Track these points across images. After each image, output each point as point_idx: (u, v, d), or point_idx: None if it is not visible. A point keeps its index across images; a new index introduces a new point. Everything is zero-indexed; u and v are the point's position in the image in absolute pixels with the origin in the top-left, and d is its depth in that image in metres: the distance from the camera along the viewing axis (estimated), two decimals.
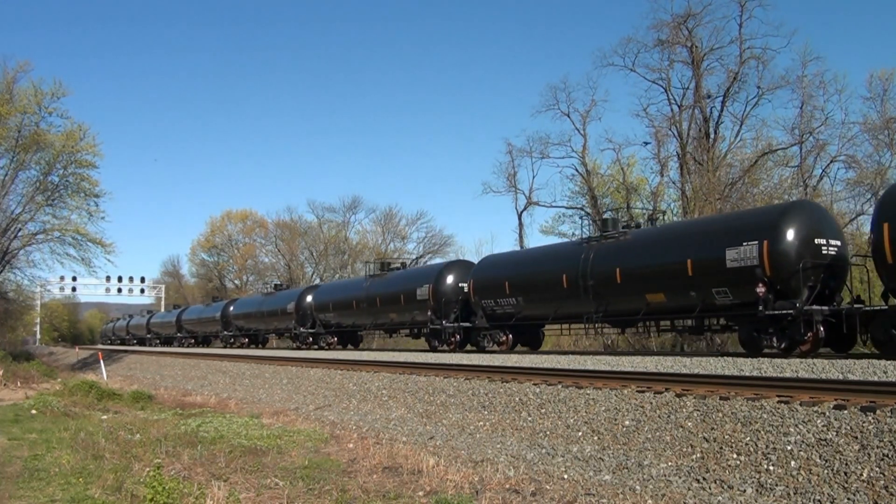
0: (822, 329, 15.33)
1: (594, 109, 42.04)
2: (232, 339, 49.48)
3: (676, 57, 37.45)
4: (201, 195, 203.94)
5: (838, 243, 16.44)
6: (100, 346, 71.20)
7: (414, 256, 66.30)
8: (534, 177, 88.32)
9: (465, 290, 25.64)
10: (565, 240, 37.92)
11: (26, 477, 9.00)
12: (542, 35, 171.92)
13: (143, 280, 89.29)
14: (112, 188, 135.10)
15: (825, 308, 15.48)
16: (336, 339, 35.69)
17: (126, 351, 53.81)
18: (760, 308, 15.70)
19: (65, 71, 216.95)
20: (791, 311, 15.38)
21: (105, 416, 16.08)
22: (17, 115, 37.38)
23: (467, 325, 25.54)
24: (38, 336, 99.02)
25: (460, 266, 27.73)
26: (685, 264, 17.49)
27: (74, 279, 72.06)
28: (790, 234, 15.85)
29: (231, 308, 49.51)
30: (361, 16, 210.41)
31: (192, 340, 58.15)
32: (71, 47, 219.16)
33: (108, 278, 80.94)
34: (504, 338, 24.22)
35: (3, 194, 38.03)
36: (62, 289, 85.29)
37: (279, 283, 51.44)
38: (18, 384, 25.23)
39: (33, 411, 16.42)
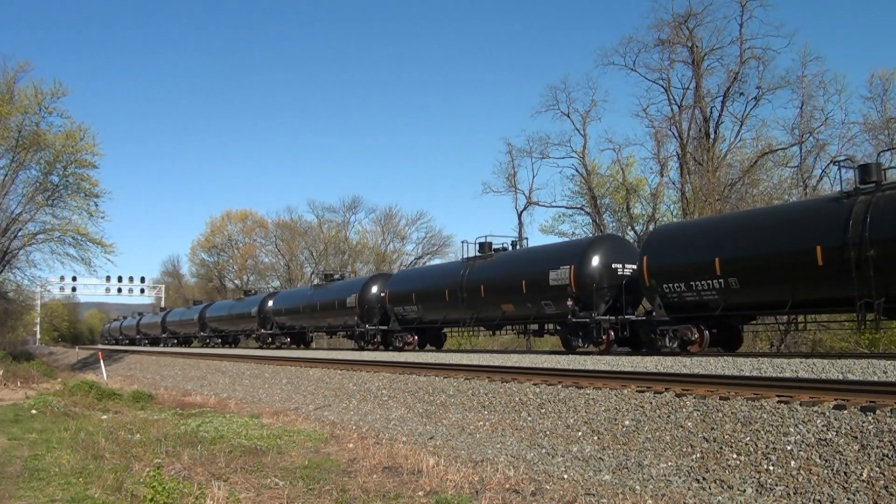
0: (612, 333, 19.46)
1: (594, 109, 42.12)
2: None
3: (677, 57, 37.53)
4: (201, 195, 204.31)
5: (633, 267, 19.70)
6: (101, 346, 71.10)
7: (413, 257, 66.34)
8: (534, 177, 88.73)
9: (384, 297, 29.42)
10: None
11: (26, 477, 8.99)
12: (542, 35, 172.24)
13: (143, 280, 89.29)
14: (112, 188, 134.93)
15: (613, 318, 19.38)
16: (289, 339, 40.60)
17: (126, 351, 53.81)
18: (569, 316, 20.15)
19: (65, 71, 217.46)
20: (587, 320, 19.75)
21: (105, 416, 16.08)
22: (18, 115, 37.44)
23: (384, 327, 29.41)
24: (38, 336, 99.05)
25: (382, 278, 31.98)
26: (521, 282, 21.98)
27: (74, 279, 72.20)
28: (594, 261, 20.26)
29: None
30: (361, 16, 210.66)
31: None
32: (71, 47, 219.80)
33: (108, 278, 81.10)
34: (411, 338, 28.11)
35: (3, 194, 38.04)
36: (62, 289, 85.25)
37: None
38: (18, 384, 25.22)
39: (33, 411, 16.41)
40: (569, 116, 42.44)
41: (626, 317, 19.20)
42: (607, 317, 19.68)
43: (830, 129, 33.82)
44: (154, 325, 65.54)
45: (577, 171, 43.43)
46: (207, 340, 53.27)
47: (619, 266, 20.30)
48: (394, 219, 68.77)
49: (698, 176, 35.14)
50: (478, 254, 25.18)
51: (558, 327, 22.24)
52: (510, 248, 25.15)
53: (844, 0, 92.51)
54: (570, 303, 20.17)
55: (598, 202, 42.95)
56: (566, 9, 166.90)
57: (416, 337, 28.15)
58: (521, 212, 46.06)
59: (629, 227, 40.73)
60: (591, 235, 35.21)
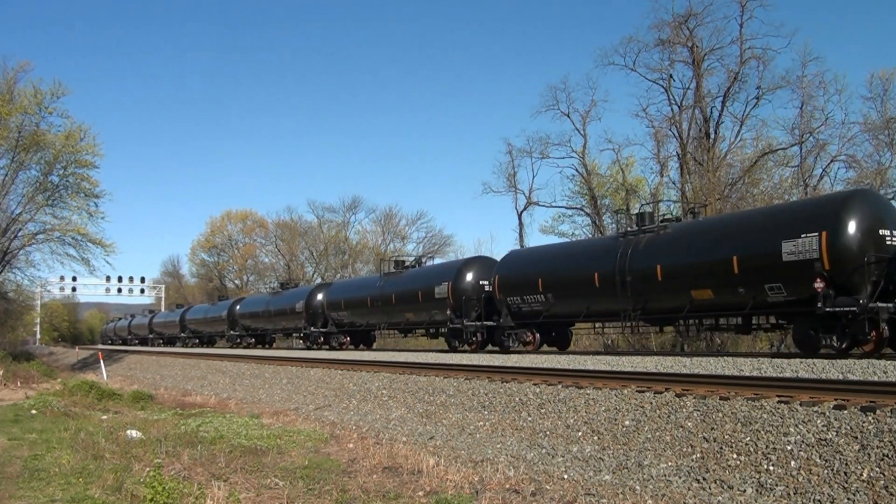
0: (886, 328, 14.13)
1: (594, 109, 42.19)
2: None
3: (677, 57, 37.53)
4: (201, 195, 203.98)
5: None
6: (103, 346, 71.06)
7: (414, 257, 66.33)
8: (534, 177, 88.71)
9: (488, 287, 24.34)
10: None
11: (26, 477, 8.99)
12: (542, 35, 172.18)
13: (143, 280, 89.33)
14: (112, 188, 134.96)
15: (891, 305, 14.08)
16: (349, 338, 34.22)
17: (126, 351, 53.77)
18: (819, 304, 14.29)
19: (65, 71, 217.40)
20: (854, 308, 13.97)
21: (105, 416, 16.08)
22: (18, 115, 37.44)
23: (491, 323, 24.07)
24: (38, 336, 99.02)
25: (479, 262, 26.56)
26: (728, 260, 16.23)
27: (74, 279, 72.32)
28: (852, 226, 14.50)
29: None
30: (361, 16, 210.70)
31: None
32: (71, 47, 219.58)
33: (108, 278, 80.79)
34: (531, 336, 22.83)
35: (3, 194, 38.06)
36: (62, 289, 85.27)
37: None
38: (18, 384, 25.23)
39: (33, 411, 16.42)
40: (569, 116, 42.52)
41: (486, 323, 14.28)
42: (887, 304, 14.10)
43: (830, 129, 33.84)
44: (170, 323, 62.79)
45: (577, 171, 43.55)
46: (238, 340, 46.93)
47: (887, 233, 14.78)
48: (394, 219, 68.91)
49: (698, 176, 35.14)
50: (640, 227, 19.69)
51: (781, 321, 16.91)
52: (683, 217, 19.74)
53: (844, 0, 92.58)
54: (818, 285, 14.31)
55: (598, 202, 43.02)
56: (566, 9, 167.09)
57: (537, 335, 22.80)
58: (522, 212, 46.17)
59: None
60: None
